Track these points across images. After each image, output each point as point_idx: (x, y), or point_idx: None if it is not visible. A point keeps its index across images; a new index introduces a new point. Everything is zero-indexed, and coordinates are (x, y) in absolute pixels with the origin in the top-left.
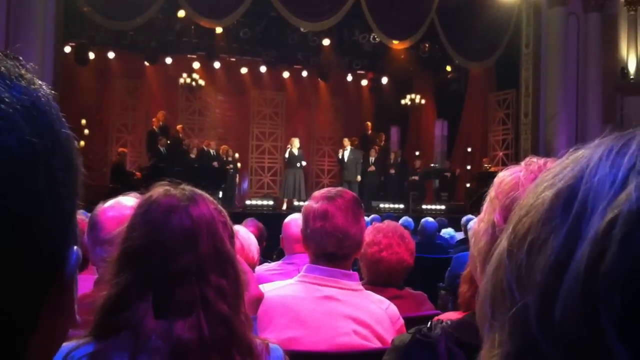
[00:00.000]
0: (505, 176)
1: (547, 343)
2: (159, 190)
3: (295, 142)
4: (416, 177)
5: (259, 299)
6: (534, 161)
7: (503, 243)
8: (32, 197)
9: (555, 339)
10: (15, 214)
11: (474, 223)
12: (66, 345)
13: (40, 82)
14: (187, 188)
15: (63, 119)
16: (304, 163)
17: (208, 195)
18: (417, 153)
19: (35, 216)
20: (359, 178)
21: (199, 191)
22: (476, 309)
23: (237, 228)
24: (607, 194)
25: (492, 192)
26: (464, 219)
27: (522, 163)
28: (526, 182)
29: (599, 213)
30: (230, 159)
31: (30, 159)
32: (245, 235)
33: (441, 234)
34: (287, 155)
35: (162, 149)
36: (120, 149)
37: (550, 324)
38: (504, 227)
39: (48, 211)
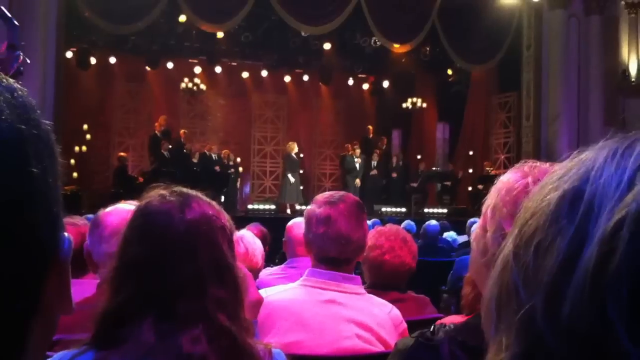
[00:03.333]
0: (509, 182)
1: (555, 342)
2: (153, 199)
3: (294, 147)
4: (414, 184)
5: (257, 302)
6: (530, 164)
7: (509, 245)
8: (26, 180)
9: (562, 338)
10: (13, 196)
11: (475, 228)
12: (68, 352)
13: (12, 80)
14: (183, 192)
15: (39, 111)
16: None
17: (205, 198)
18: (418, 156)
19: (31, 198)
20: (358, 182)
21: (194, 195)
22: (482, 311)
23: (243, 233)
24: (614, 194)
25: (492, 199)
26: (469, 221)
27: (519, 166)
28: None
29: (606, 214)
30: (231, 163)
31: (21, 144)
32: (251, 240)
33: (444, 237)
34: (286, 159)
35: (165, 153)
36: (120, 154)
37: (558, 323)
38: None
39: (41, 193)
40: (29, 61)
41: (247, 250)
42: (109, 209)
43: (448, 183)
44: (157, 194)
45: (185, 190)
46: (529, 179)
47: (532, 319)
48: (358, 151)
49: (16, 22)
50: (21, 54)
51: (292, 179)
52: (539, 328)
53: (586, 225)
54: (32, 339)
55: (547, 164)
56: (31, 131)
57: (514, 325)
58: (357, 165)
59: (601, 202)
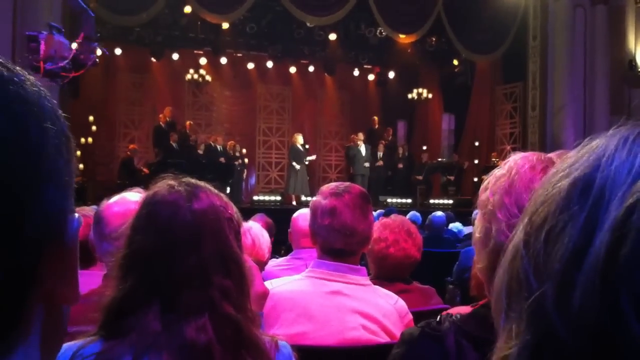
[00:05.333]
0: (494, 172)
1: (566, 330)
2: (161, 188)
3: (299, 138)
4: (420, 177)
5: (263, 294)
6: (511, 158)
7: (519, 234)
8: (24, 147)
9: (574, 326)
10: (12, 164)
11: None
12: (74, 343)
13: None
14: (191, 183)
15: (52, 98)
16: (309, 159)
17: (213, 189)
18: (424, 147)
19: (31, 166)
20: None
21: (203, 186)
22: (492, 300)
23: (251, 225)
24: (625, 181)
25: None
26: (474, 212)
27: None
28: (497, 180)
29: (617, 200)
30: (237, 154)
31: (41, 110)
32: (259, 232)
33: (449, 228)
34: (291, 150)
35: (174, 144)
36: (132, 146)
37: (569, 311)
38: (485, 224)
39: (42, 165)
40: (107, 53)
41: (254, 242)
42: (113, 199)
43: (451, 177)
44: (165, 184)
45: (193, 181)
46: (505, 167)
47: (543, 307)
48: (361, 135)
49: (92, 13)
50: (98, 45)
51: (297, 168)
52: (550, 316)
53: (597, 212)
54: (39, 329)
55: (532, 154)
56: (49, 106)
57: (525, 314)
58: (363, 151)
59: (612, 188)
